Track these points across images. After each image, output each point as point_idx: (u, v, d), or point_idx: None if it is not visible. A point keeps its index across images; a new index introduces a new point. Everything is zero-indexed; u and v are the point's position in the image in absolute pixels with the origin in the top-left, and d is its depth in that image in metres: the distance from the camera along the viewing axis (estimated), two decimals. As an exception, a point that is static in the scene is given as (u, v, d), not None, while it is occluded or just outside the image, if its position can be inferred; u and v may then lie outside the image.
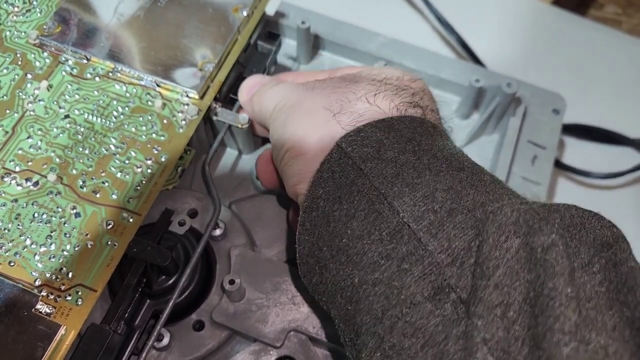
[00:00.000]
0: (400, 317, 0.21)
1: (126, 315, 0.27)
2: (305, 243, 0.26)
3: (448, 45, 0.47)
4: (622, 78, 0.47)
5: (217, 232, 0.31)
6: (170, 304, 0.27)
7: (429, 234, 0.21)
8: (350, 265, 0.23)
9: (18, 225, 0.27)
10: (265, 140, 0.35)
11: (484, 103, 0.35)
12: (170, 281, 0.29)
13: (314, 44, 0.37)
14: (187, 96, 0.31)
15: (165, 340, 0.28)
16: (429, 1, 0.46)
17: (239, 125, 0.31)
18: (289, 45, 0.37)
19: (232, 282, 0.28)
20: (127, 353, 0.27)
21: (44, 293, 0.26)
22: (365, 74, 0.29)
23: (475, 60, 0.44)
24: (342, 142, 0.25)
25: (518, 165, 0.34)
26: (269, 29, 0.36)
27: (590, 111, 0.45)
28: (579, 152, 0.44)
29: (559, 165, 0.43)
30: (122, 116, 0.31)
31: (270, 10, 0.37)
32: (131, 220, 0.28)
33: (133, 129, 0.30)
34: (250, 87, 0.32)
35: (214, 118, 0.32)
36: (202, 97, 0.31)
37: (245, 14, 0.33)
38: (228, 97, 0.33)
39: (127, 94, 0.31)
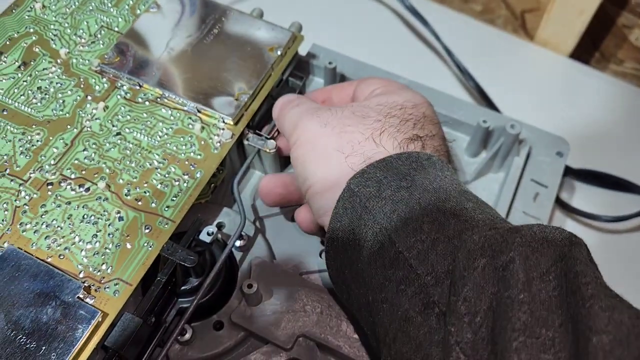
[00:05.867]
0: (399, 329, 0.25)
1: (155, 308, 0.31)
2: (332, 267, 0.31)
3: (467, 91, 0.50)
4: (635, 129, 0.49)
5: (241, 243, 0.34)
6: (194, 303, 0.31)
7: (418, 261, 0.26)
8: (365, 286, 0.28)
9: (69, 224, 0.31)
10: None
11: (491, 142, 0.38)
12: (196, 283, 0.32)
13: (340, 82, 0.41)
14: (224, 122, 0.35)
15: (188, 336, 0.31)
16: (450, 50, 0.50)
17: (267, 150, 0.35)
18: (318, 84, 0.41)
19: (250, 286, 0.31)
20: (153, 343, 0.30)
21: (86, 284, 0.30)
22: (374, 104, 0.33)
23: (491, 105, 0.48)
24: (351, 182, 0.29)
25: (520, 201, 0.37)
26: (299, 69, 0.41)
27: (600, 158, 0.47)
28: (588, 197, 0.46)
29: (568, 207, 0.45)
30: (165, 136, 0.35)
31: (303, 50, 0.42)
32: (167, 226, 0.32)
33: (174, 148, 0.34)
34: (281, 105, 0.36)
35: (245, 142, 0.36)
36: (236, 124, 0.35)
37: (279, 53, 0.38)
38: (260, 125, 0.37)
39: (172, 117, 0.36)
